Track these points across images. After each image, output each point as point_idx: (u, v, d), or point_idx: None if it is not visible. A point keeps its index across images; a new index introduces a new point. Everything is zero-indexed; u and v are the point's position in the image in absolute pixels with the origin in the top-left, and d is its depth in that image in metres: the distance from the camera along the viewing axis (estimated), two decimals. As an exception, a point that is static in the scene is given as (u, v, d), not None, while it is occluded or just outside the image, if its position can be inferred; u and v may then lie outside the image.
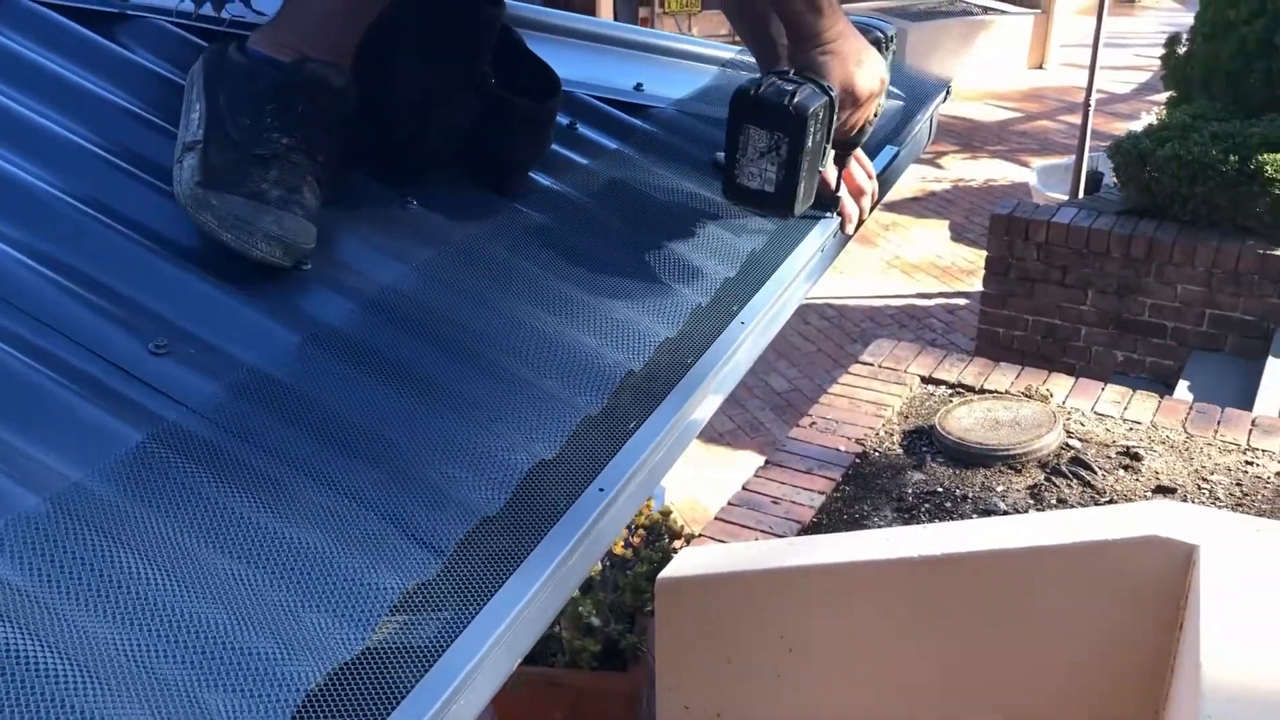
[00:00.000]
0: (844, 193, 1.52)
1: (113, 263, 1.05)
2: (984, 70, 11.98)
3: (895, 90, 1.97)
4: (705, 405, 1.16)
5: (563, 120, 1.59)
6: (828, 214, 1.50)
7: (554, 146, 1.49)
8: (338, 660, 0.78)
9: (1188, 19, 6.71)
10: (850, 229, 1.55)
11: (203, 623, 0.77)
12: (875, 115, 1.43)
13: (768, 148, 1.28)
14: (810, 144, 1.28)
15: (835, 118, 1.31)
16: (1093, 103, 7.26)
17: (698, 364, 1.16)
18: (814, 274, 1.45)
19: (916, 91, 2.00)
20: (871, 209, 1.60)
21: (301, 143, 1.12)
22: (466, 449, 0.98)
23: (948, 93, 2.09)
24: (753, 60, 1.96)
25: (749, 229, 1.46)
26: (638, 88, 1.73)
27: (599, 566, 3.97)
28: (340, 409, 0.99)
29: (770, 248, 1.43)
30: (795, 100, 1.26)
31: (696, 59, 1.85)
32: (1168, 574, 2.78)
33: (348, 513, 0.89)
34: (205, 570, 0.80)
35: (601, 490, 0.94)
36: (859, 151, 1.56)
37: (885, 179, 1.72)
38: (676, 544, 4.20)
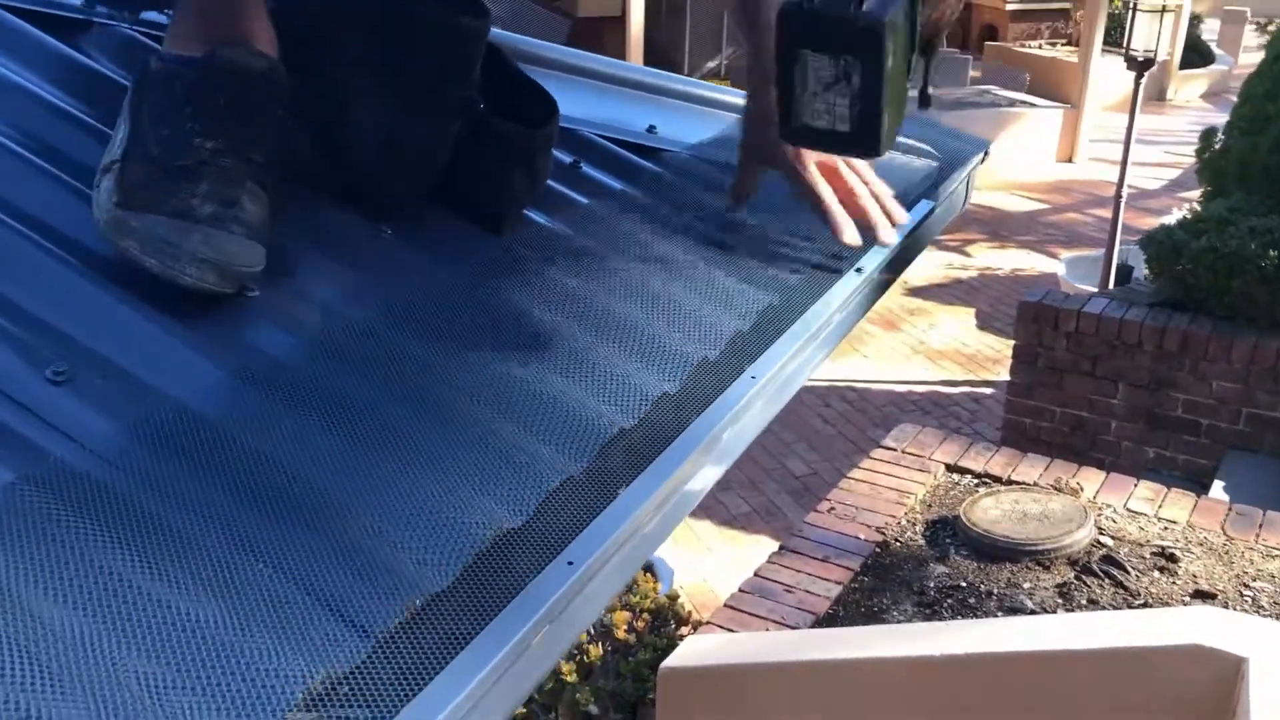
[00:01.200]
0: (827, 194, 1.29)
1: (13, 271, 0.90)
2: (1012, 161, 11.93)
3: (930, 150, 1.84)
4: (705, 471, 1.00)
5: (565, 158, 1.45)
6: (856, 267, 1.34)
7: (553, 183, 1.36)
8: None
9: (1218, 118, 6.62)
10: (847, 236, 1.31)
11: (49, 713, 0.61)
12: (953, 14, 1.17)
13: (835, 77, 1.00)
14: (891, 64, 0.98)
15: (919, 17, 1.01)
16: (1125, 194, 7.14)
17: (697, 421, 1.00)
18: (836, 334, 1.30)
19: (953, 151, 1.87)
20: (881, 226, 1.37)
21: (231, 144, 0.97)
22: (416, 511, 0.83)
23: (986, 154, 1.95)
24: None
25: (766, 282, 1.31)
26: (650, 130, 1.60)
27: (599, 651, 3.76)
28: (268, 457, 0.83)
29: (789, 302, 1.28)
30: (865, 9, 0.96)
31: (715, 105, 1.73)
32: (1213, 687, 2.57)
33: (261, 582, 0.73)
34: (63, 641, 0.64)
35: (570, 564, 0.78)
36: (859, 164, 1.37)
37: (918, 236, 1.58)
38: (684, 630, 3.99)
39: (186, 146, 0.96)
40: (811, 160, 1.35)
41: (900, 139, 1.88)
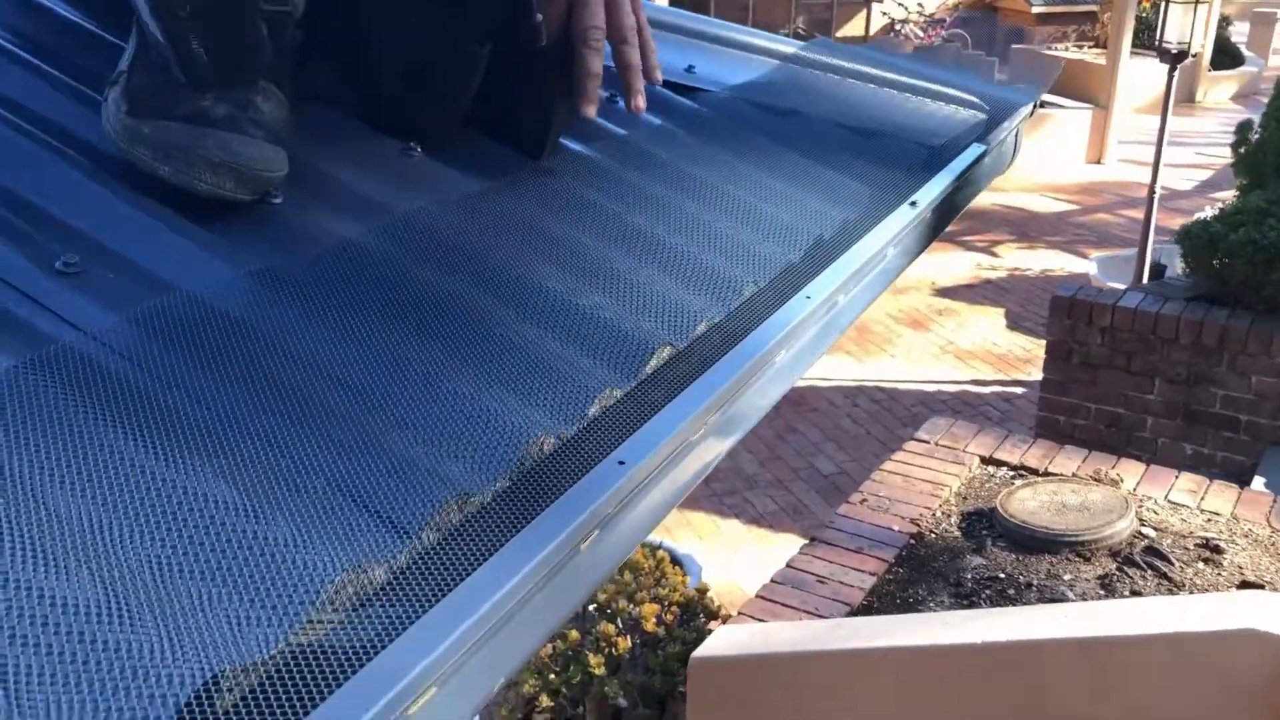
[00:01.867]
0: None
1: (24, 170, 0.85)
2: (1041, 162, 11.81)
3: (978, 101, 1.77)
4: (758, 391, 0.93)
5: (602, 93, 1.39)
6: (910, 200, 1.26)
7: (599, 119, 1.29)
8: (240, 662, 0.55)
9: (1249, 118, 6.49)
10: (586, 109, 1.12)
11: (60, 600, 0.55)
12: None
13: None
14: None
15: None
16: (1158, 189, 7.02)
17: (750, 339, 0.94)
18: (891, 270, 1.23)
19: (1002, 101, 1.80)
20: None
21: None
22: (455, 415, 0.76)
23: (1036, 105, 1.88)
24: (818, 56, 1.76)
25: (814, 216, 1.24)
26: (689, 70, 1.53)
27: (628, 644, 3.69)
28: (293, 356, 0.77)
29: (841, 236, 1.21)
30: None
31: (753, 49, 1.66)
32: (1267, 672, 2.47)
33: (283, 474, 0.67)
34: (70, 526, 0.58)
35: (621, 464, 0.71)
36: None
37: (970, 181, 1.51)
38: (713, 625, 3.91)
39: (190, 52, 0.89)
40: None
41: (947, 89, 1.81)
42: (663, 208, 1.17)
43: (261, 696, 0.53)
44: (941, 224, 1.47)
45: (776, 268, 1.11)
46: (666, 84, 1.50)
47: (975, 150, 1.52)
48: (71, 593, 0.53)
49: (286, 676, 0.55)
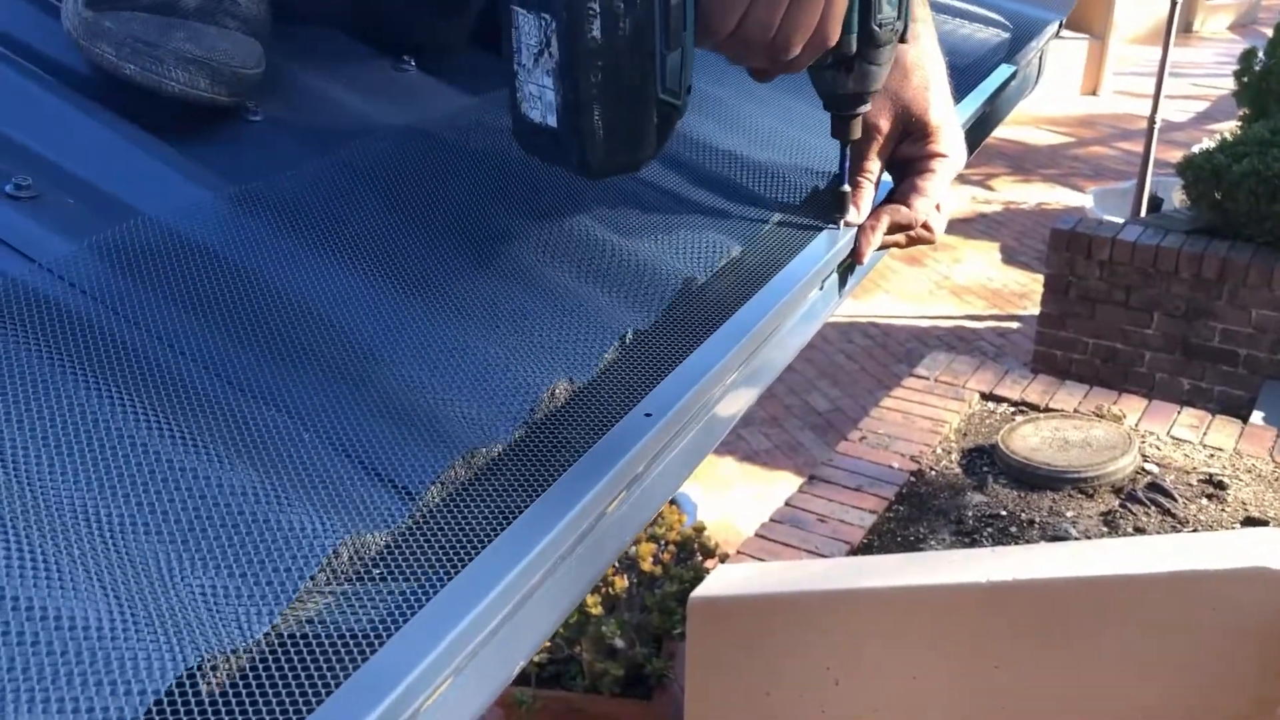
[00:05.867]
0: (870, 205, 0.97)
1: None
2: (1035, 95, 11.64)
3: (999, 19, 1.67)
4: (791, 330, 0.84)
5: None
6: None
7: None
8: (224, 648, 0.47)
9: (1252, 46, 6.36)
10: (864, 258, 0.97)
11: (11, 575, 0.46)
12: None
13: (539, 46, 0.70)
14: (599, 35, 0.67)
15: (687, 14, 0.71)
16: (1158, 120, 6.90)
17: (780, 276, 0.85)
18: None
19: (1027, 21, 1.69)
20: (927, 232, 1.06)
21: None
22: (460, 363, 0.68)
23: (1061, 24, 1.78)
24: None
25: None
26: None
27: (625, 583, 3.65)
28: (272, 292, 0.68)
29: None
30: None
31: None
32: (1276, 609, 2.43)
33: (274, 430, 0.58)
34: (14, 480, 0.49)
35: (649, 415, 0.63)
36: (936, 175, 1.01)
37: (998, 105, 1.41)
38: (710, 563, 3.87)
39: None
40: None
41: (970, 6, 1.71)
42: (680, 131, 1.07)
43: (246, 691, 0.45)
44: (970, 148, 1.38)
45: (803, 194, 1.02)
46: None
47: (1004, 71, 1.43)
48: (13, 554, 0.45)
49: (276, 666, 0.47)
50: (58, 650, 0.44)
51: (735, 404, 0.76)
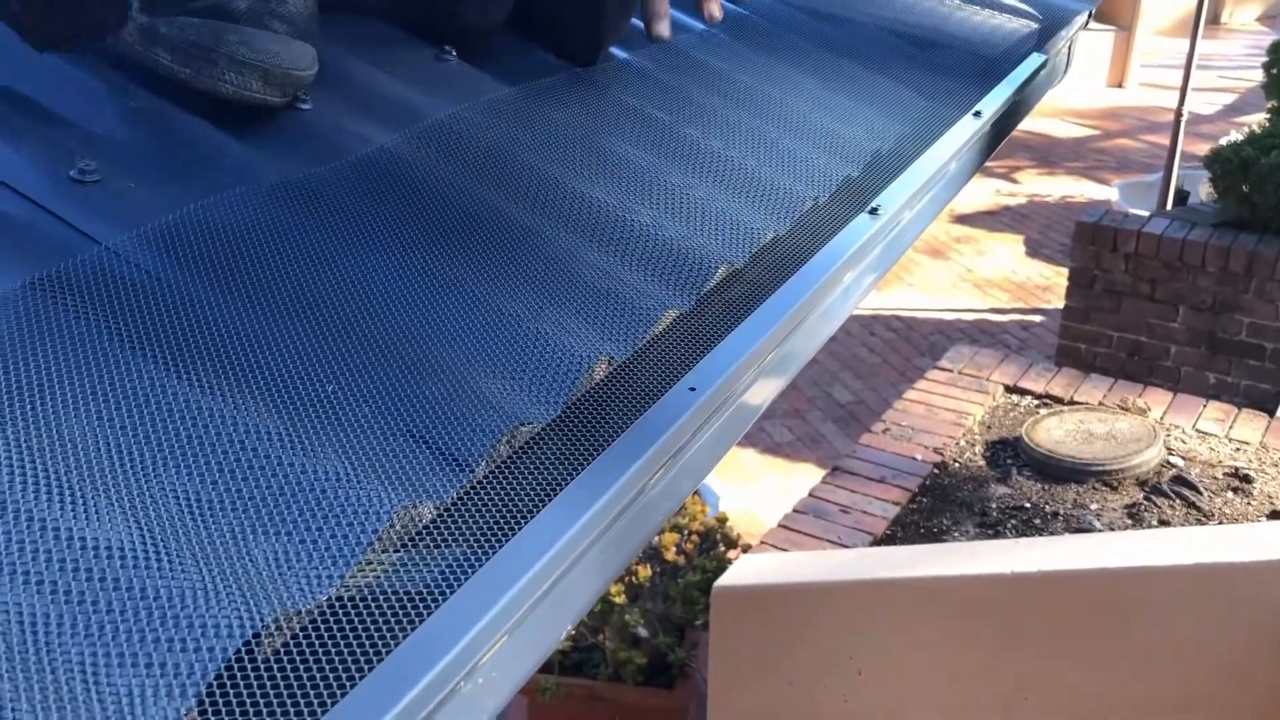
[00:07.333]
0: None
1: (38, 73, 0.77)
2: (1061, 87, 11.57)
3: (1030, 10, 1.68)
4: (826, 311, 0.86)
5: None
6: (974, 110, 1.16)
7: (636, 21, 1.21)
8: (290, 608, 0.49)
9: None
10: (659, 27, 1.07)
11: (90, 543, 0.49)
12: None
13: None
14: None
15: None
16: (1185, 112, 6.85)
17: (817, 258, 0.87)
18: (955, 181, 1.15)
19: (1056, 11, 1.70)
20: None
21: None
22: (505, 337, 0.69)
23: (1090, 15, 1.78)
24: None
25: (873, 127, 1.16)
26: (731, -26, 1.44)
27: (647, 572, 3.67)
28: (326, 273, 0.70)
29: (901, 148, 1.13)
30: None
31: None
32: (1304, 604, 2.43)
33: (331, 404, 0.61)
34: (93, 458, 0.52)
35: (693, 390, 0.65)
36: None
37: (1031, 90, 1.42)
38: (732, 554, 3.89)
39: None
40: None
41: (999, -2, 1.71)
42: (714, 118, 1.09)
43: (315, 650, 0.48)
44: (998, 138, 1.40)
45: (836, 181, 1.04)
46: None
47: (1036, 60, 1.44)
48: (103, 535, 0.48)
49: (340, 627, 0.49)
50: (129, 611, 0.46)
51: (774, 380, 0.78)
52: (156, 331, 0.61)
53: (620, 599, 3.59)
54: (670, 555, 3.73)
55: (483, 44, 1.04)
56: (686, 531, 3.88)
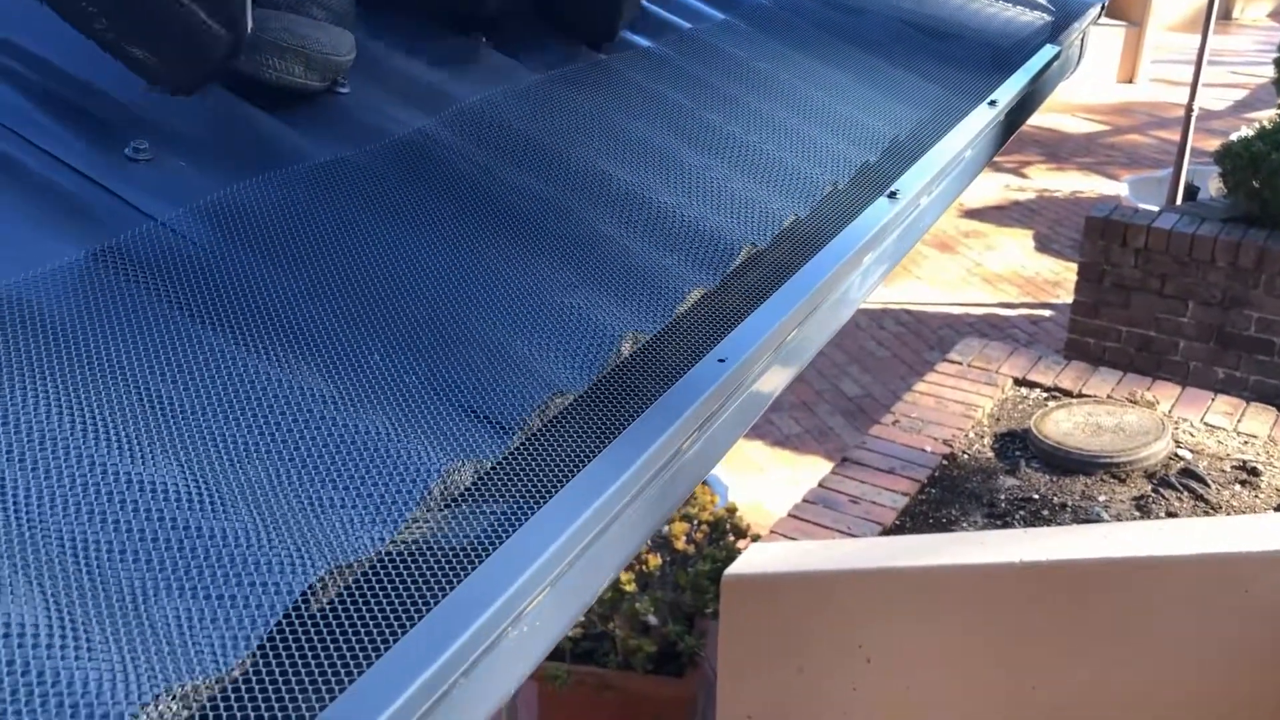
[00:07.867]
0: None
1: (95, 59, 0.80)
2: (1071, 82, 11.57)
3: (1043, 2, 1.70)
4: (847, 291, 0.89)
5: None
6: (990, 99, 1.20)
7: (649, 4, 1.24)
8: (344, 560, 0.52)
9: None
10: None
11: (144, 483, 0.52)
12: None
13: None
14: None
15: None
16: (1195, 107, 6.85)
17: (838, 240, 0.89)
18: (970, 169, 1.17)
19: (1067, 5, 1.72)
20: None
21: None
22: (541, 310, 0.72)
23: (1103, 7, 1.80)
24: None
25: (890, 115, 1.19)
26: (750, -36, 1.46)
27: (657, 561, 3.70)
28: (369, 248, 0.73)
29: (918, 135, 1.15)
30: None
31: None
32: (1311, 595, 2.45)
33: (382, 368, 0.63)
34: (153, 409, 0.55)
35: (722, 361, 0.68)
36: None
37: (1044, 81, 1.44)
38: (741, 543, 3.92)
39: None
40: None
41: (1013, -11, 1.73)
42: (733, 103, 1.12)
43: (367, 594, 0.50)
44: (1011, 128, 1.42)
45: (854, 166, 1.07)
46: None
47: (1049, 51, 1.46)
48: (159, 477, 0.50)
49: (394, 576, 0.52)
50: (213, 558, 0.49)
51: (798, 354, 0.81)
52: (209, 299, 0.64)
53: (630, 587, 3.62)
54: (680, 544, 3.76)
55: (512, 31, 1.07)
56: (696, 521, 3.91)
